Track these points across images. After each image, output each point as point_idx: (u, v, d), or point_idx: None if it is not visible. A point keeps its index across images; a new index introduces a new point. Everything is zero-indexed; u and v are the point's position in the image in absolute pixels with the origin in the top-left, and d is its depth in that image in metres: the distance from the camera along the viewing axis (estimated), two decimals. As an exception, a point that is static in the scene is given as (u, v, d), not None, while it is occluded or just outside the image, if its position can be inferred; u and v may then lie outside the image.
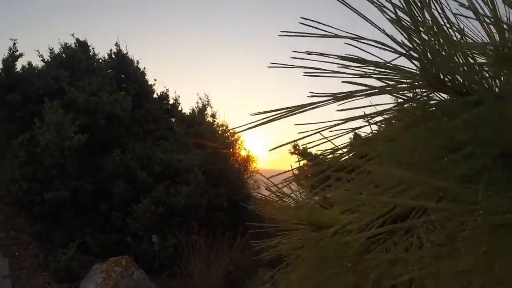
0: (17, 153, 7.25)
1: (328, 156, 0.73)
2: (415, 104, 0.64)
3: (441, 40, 0.62)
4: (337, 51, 0.67)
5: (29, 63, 8.55)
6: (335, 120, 0.67)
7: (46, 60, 9.25)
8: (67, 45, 9.49)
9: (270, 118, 0.68)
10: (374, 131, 0.71)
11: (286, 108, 0.67)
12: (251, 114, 0.67)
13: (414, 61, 0.64)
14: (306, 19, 0.68)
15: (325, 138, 0.67)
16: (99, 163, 8.10)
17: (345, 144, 0.72)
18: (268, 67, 0.73)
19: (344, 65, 0.66)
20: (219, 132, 10.86)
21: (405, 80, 0.64)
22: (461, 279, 0.54)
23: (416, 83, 0.64)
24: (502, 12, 0.63)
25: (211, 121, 10.89)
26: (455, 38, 0.64)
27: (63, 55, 9.36)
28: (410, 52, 0.64)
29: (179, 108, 10.77)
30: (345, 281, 0.77)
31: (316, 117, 0.66)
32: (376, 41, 0.65)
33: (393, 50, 0.65)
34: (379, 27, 0.67)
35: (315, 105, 0.68)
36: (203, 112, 10.66)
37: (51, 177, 7.30)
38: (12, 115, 8.00)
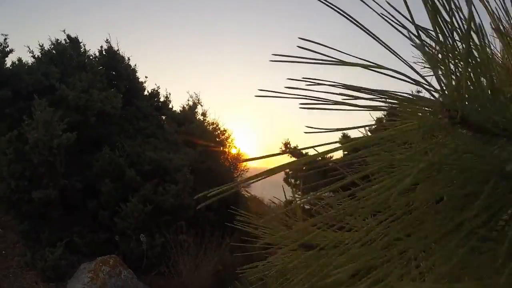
0: (5, 150, 7.19)
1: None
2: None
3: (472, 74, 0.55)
4: (341, 76, 0.59)
5: (19, 59, 8.50)
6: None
7: (36, 56, 9.19)
8: (58, 41, 9.44)
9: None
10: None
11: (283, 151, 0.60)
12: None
13: (434, 93, 0.57)
14: (305, 39, 0.57)
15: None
16: (88, 161, 8.07)
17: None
18: (256, 96, 0.62)
19: (350, 96, 0.57)
20: (210, 130, 10.85)
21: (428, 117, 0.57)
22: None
23: (437, 120, 0.56)
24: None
25: (202, 119, 10.88)
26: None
27: (54, 52, 9.30)
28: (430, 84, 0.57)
29: (170, 106, 10.76)
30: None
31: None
32: (393, 70, 0.57)
33: (411, 81, 0.57)
34: (394, 52, 0.60)
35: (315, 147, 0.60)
36: (194, 110, 10.65)
37: (39, 175, 7.25)
38: (1, 111, 7.94)
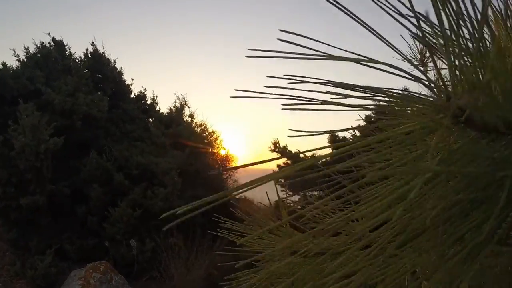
0: (-10, 156, 7.09)
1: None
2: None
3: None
4: (330, 73, 0.54)
5: (4, 64, 8.41)
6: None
7: (21, 60, 9.07)
8: (43, 44, 9.33)
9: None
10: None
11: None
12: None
13: (434, 89, 0.52)
14: (287, 31, 0.51)
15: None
16: (76, 166, 8.00)
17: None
18: (232, 97, 0.55)
19: (337, 94, 0.52)
20: (198, 132, 10.79)
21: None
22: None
23: (437, 120, 0.51)
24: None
25: (189, 121, 10.81)
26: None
27: (39, 55, 9.20)
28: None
29: (157, 108, 10.68)
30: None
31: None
32: (388, 64, 0.51)
33: (409, 77, 0.51)
34: (388, 42, 0.54)
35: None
36: (181, 112, 10.57)
37: (26, 181, 7.16)
38: (-15, 117, 7.82)
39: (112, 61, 10.05)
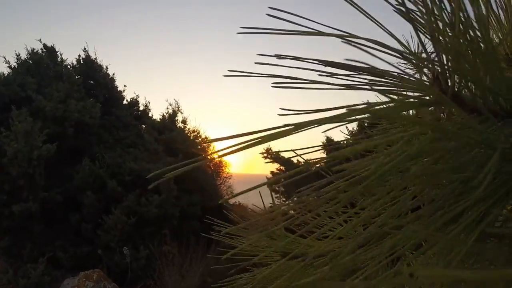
0: (-18, 163, 7.03)
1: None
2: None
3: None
4: (319, 52, 0.53)
5: (-5, 71, 8.34)
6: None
7: (13, 66, 9.01)
8: (34, 50, 9.27)
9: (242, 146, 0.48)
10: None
11: (257, 131, 0.49)
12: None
13: (425, 69, 0.51)
14: (276, 9, 0.52)
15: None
16: (69, 173, 7.93)
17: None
18: (225, 75, 0.57)
19: (328, 73, 0.51)
20: (191, 138, 10.75)
21: (412, 94, 0.50)
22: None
23: (426, 98, 0.50)
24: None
25: (182, 127, 10.77)
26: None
27: (30, 61, 9.14)
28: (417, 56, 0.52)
29: (150, 115, 10.63)
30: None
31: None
32: (372, 40, 0.49)
33: (398, 55, 0.50)
34: (375, 20, 0.53)
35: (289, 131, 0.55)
36: (174, 118, 10.53)
37: (18, 188, 7.09)
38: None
39: (105, 67, 10.01)
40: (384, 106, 0.48)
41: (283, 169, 9.79)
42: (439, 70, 0.51)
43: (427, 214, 0.54)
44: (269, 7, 0.52)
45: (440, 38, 0.50)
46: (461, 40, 0.50)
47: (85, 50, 9.78)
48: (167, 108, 10.71)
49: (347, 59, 0.45)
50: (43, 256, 6.69)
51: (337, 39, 0.48)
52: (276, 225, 0.72)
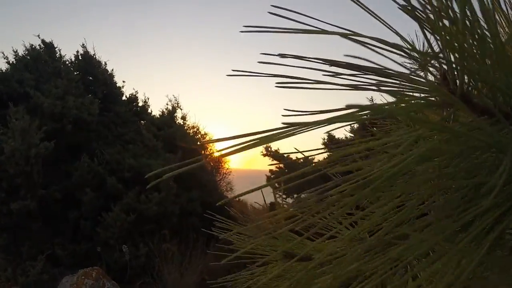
0: (-21, 161, 6.99)
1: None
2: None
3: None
4: (325, 52, 0.52)
5: (-8, 66, 8.31)
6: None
7: (11, 62, 8.96)
8: (33, 46, 9.22)
9: (243, 146, 0.48)
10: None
11: (258, 132, 0.47)
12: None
13: (431, 69, 0.50)
14: (279, 7, 0.51)
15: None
16: (67, 170, 7.90)
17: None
18: (228, 75, 0.58)
19: (332, 73, 0.50)
20: (190, 135, 10.72)
21: (419, 95, 0.49)
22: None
23: (434, 99, 0.48)
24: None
25: (182, 123, 10.74)
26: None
27: (28, 58, 9.08)
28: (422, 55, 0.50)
29: (149, 111, 10.57)
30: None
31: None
32: (377, 39, 0.47)
33: (403, 53, 0.49)
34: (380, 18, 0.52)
35: (293, 131, 0.51)
36: (173, 114, 10.49)
37: (16, 186, 7.06)
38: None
39: (103, 63, 9.95)
40: (393, 105, 0.46)
41: (282, 166, 9.77)
42: (447, 69, 0.49)
43: (435, 221, 0.52)
44: (272, 5, 0.51)
45: (447, 36, 0.48)
46: (470, 40, 0.47)
47: (83, 46, 9.74)
48: (167, 104, 10.69)
49: (352, 56, 0.44)
50: (42, 254, 6.66)
51: (341, 38, 0.46)
52: (278, 226, 0.70)
